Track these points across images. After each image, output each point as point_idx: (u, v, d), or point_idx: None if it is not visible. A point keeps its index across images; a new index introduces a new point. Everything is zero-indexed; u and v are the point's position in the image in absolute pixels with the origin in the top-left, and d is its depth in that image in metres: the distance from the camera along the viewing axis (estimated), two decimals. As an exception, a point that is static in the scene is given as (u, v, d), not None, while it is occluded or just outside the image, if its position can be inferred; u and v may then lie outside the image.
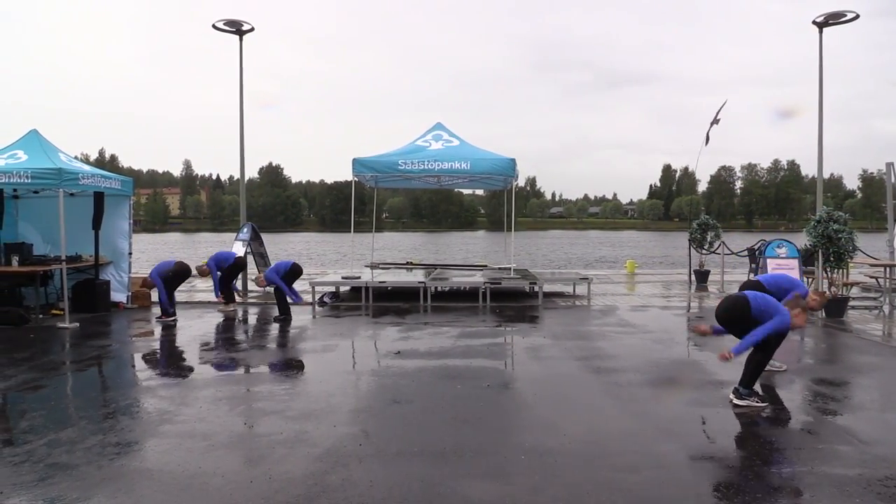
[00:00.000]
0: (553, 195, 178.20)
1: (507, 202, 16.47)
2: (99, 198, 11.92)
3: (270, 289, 13.31)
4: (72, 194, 11.88)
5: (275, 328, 10.61)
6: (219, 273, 12.26)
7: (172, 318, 11.06)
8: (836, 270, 11.34)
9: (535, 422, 5.65)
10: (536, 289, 13.76)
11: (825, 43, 14.09)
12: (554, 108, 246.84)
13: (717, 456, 4.83)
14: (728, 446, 5.08)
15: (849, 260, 11.34)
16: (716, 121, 16.83)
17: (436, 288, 14.30)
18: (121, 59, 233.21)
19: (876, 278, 13.34)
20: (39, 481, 4.30)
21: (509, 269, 15.15)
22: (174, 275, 11.36)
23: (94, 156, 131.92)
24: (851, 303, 11.83)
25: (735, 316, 6.08)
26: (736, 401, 6.01)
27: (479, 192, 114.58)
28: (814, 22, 14.00)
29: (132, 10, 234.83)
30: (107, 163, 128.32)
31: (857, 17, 13.62)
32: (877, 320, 11.08)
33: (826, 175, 16.98)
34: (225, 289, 12.40)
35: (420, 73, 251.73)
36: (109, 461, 4.67)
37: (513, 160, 13.68)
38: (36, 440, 5.10)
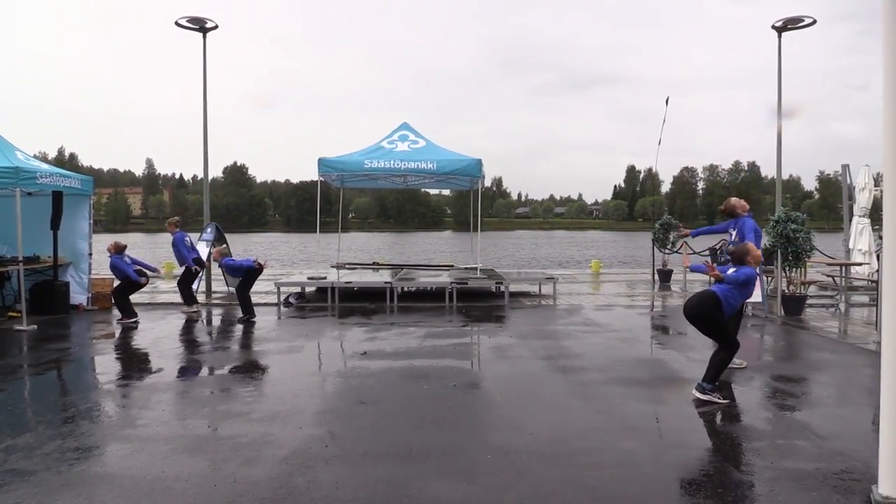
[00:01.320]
0: (519, 195, 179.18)
1: (474, 202, 16.53)
2: (58, 197, 11.66)
3: (233, 289, 13.16)
4: (29, 193, 11.60)
5: (239, 329, 10.49)
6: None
7: (133, 319, 10.87)
8: (794, 269, 11.59)
9: (502, 421, 5.68)
10: (503, 289, 13.83)
11: (784, 47, 14.41)
12: (520, 109, 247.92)
13: (680, 452, 4.90)
14: (691, 443, 5.16)
15: (806, 259, 11.60)
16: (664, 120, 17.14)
17: (402, 288, 14.28)
18: (81, 54, 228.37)
19: (832, 277, 13.67)
20: (-4, 488, 4.19)
21: (476, 269, 15.20)
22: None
23: (52, 154, 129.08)
24: (809, 301, 12.10)
25: (704, 311, 6.19)
26: (699, 395, 6.13)
27: (446, 192, 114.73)
28: (773, 26, 14.29)
29: (93, 4, 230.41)
30: (66, 161, 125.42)
31: (815, 22, 13.95)
32: (833, 318, 11.35)
33: (785, 176, 17.37)
34: (186, 291, 12.21)
35: (386, 73, 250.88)
36: (69, 467, 4.57)
37: (479, 160, 13.73)
38: (-8, 446, 4.98)
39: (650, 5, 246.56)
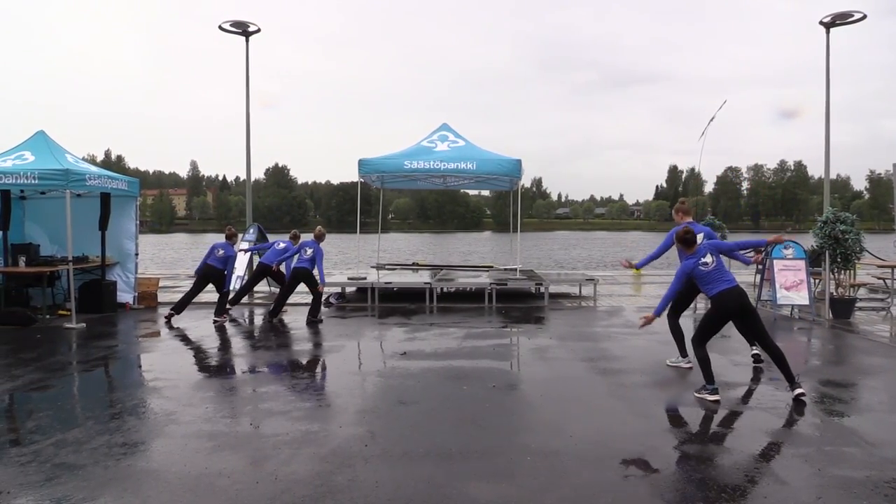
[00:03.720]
0: (559, 196, 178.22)
1: (513, 203, 16.46)
2: (105, 199, 11.96)
3: (276, 290, 13.30)
4: (78, 195, 11.92)
5: (280, 328, 10.62)
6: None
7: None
8: (843, 271, 11.29)
9: (541, 423, 5.64)
10: (542, 290, 13.75)
11: (833, 42, 14.04)
12: (560, 108, 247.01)
13: (724, 457, 4.81)
14: (735, 448, 5.05)
15: (856, 261, 11.29)
16: (711, 119, 16.79)
17: (442, 289, 14.29)
18: (127, 59, 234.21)
19: (883, 279, 13.29)
20: (46, 481, 4.31)
21: (515, 269, 15.12)
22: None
23: (100, 156, 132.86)
24: (858, 304, 11.78)
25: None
26: (694, 393, 6.40)
27: (485, 192, 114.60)
28: (821, 22, 13.93)
29: (138, 10, 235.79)
30: (113, 163, 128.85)
31: (865, 17, 13.56)
32: (884, 321, 11.03)
33: (833, 176, 16.90)
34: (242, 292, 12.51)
35: (425, 74, 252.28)
36: (116, 461, 4.68)
37: (518, 161, 13.67)
38: (43, 440, 5.12)
39: (692, 1, 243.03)
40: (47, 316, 11.32)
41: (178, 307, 11.28)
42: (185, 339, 9.81)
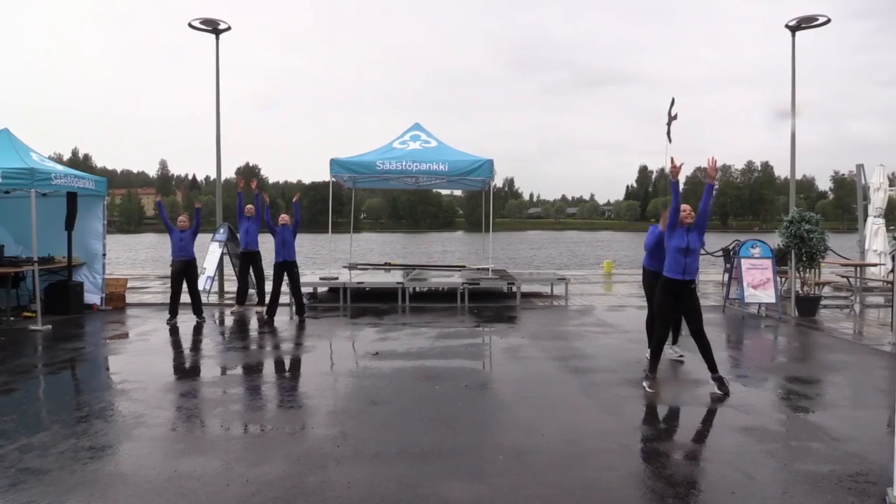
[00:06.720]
0: (531, 196, 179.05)
1: (485, 203, 16.51)
2: (72, 198, 11.75)
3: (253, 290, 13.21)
4: (44, 194, 11.70)
5: (251, 329, 10.53)
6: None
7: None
8: (808, 270, 11.50)
9: (513, 422, 5.67)
10: (514, 289, 13.80)
11: (799, 44, 14.26)
12: (532, 108, 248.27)
13: (693, 453, 4.88)
14: (704, 444, 5.14)
15: (820, 260, 11.50)
16: (673, 118, 16.90)
17: (414, 289, 14.28)
18: (95, 56, 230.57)
19: (847, 278, 13.57)
20: (10, 487, 4.23)
21: (487, 269, 15.17)
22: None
23: (67, 155, 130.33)
24: (823, 302, 12.01)
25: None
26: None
27: (458, 192, 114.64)
28: (786, 26, 14.16)
29: (106, 6, 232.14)
30: (80, 162, 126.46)
31: (829, 21, 13.79)
32: (848, 319, 11.26)
33: (799, 176, 17.18)
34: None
35: (396, 73, 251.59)
36: (83, 465, 4.60)
37: (490, 161, 13.69)
38: (7, 445, 5.02)
39: (662, 2, 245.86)
40: (11, 318, 11.09)
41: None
42: (153, 340, 9.67)
